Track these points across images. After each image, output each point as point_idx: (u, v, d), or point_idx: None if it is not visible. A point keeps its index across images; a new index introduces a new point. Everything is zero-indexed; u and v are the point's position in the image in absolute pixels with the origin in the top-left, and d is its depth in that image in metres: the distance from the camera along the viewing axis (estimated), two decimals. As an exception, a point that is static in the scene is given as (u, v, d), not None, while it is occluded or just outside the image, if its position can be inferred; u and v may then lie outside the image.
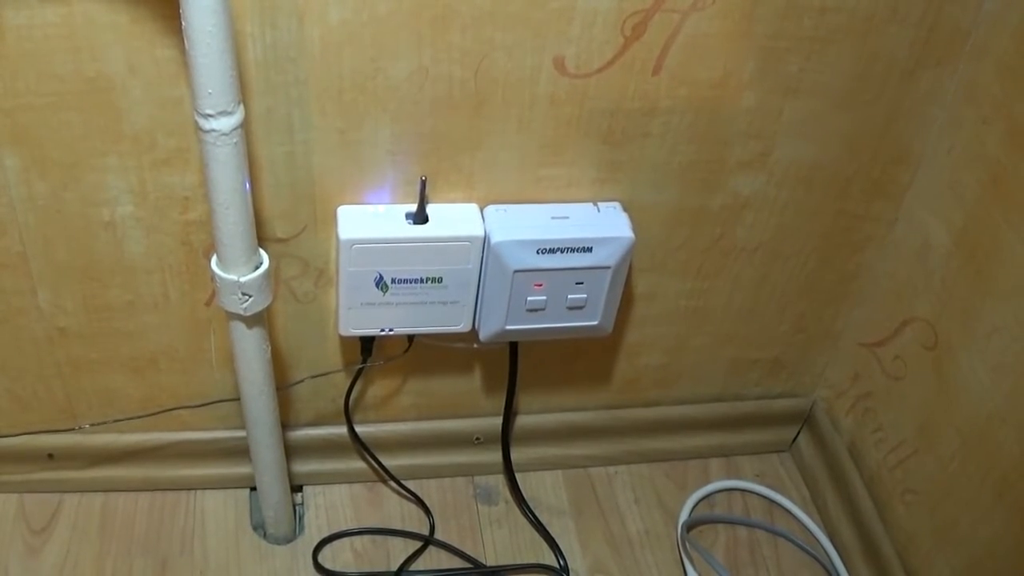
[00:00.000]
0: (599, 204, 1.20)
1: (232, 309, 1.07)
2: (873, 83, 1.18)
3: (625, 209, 1.20)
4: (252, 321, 1.10)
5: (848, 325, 1.45)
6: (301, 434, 1.39)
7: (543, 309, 1.21)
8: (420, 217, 1.14)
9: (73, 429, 1.32)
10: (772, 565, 1.44)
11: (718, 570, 1.38)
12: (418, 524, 1.42)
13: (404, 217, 1.14)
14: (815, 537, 1.48)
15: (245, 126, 0.95)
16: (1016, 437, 1.15)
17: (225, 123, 0.92)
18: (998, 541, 1.19)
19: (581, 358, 1.41)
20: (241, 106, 0.93)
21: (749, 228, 1.29)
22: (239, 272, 1.04)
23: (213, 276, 1.06)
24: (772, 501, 1.53)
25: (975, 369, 1.21)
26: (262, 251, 1.07)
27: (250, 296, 1.06)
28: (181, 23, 0.87)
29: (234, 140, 0.94)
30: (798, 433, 1.58)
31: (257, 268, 1.06)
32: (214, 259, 1.05)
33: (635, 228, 1.19)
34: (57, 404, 1.31)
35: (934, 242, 1.26)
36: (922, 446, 1.32)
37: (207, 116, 0.91)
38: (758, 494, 1.54)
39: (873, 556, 1.40)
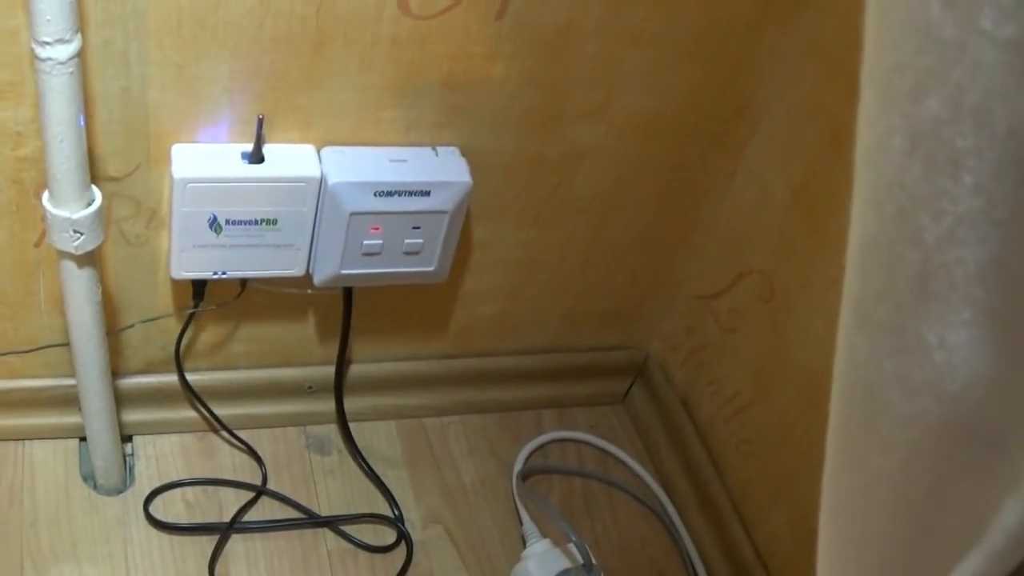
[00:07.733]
0: (437, 148, 1.20)
1: (63, 247, 1.05)
2: (717, 36, 1.19)
3: (463, 154, 1.20)
4: (83, 260, 1.07)
5: (684, 278, 1.47)
6: (131, 382, 1.36)
7: (379, 253, 1.20)
8: (256, 157, 1.12)
9: None
10: (607, 515, 1.46)
11: (554, 518, 1.39)
12: (250, 475, 1.41)
13: (240, 157, 1.12)
14: (650, 488, 1.51)
15: (81, 59, 0.92)
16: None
17: (62, 51, 0.89)
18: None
19: (416, 306, 1.41)
20: (79, 35, 0.91)
21: (587, 178, 1.30)
22: (71, 209, 1.02)
23: (45, 213, 1.03)
24: (606, 452, 1.55)
25: (811, 321, 1.24)
26: (95, 188, 1.04)
27: (82, 234, 1.04)
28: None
29: (70, 70, 0.91)
30: (631, 385, 1.61)
31: (89, 205, 1.03)
32: (46, 195, 1.02)
33: (473, 174, 1.19)
34: None
35: (773, 196, 1.29)
36: (757, 397, 1.34)
37: (44, 44, 0.89)
38: (592, 445, 1.56)
39: (709, 507, 1.43)
